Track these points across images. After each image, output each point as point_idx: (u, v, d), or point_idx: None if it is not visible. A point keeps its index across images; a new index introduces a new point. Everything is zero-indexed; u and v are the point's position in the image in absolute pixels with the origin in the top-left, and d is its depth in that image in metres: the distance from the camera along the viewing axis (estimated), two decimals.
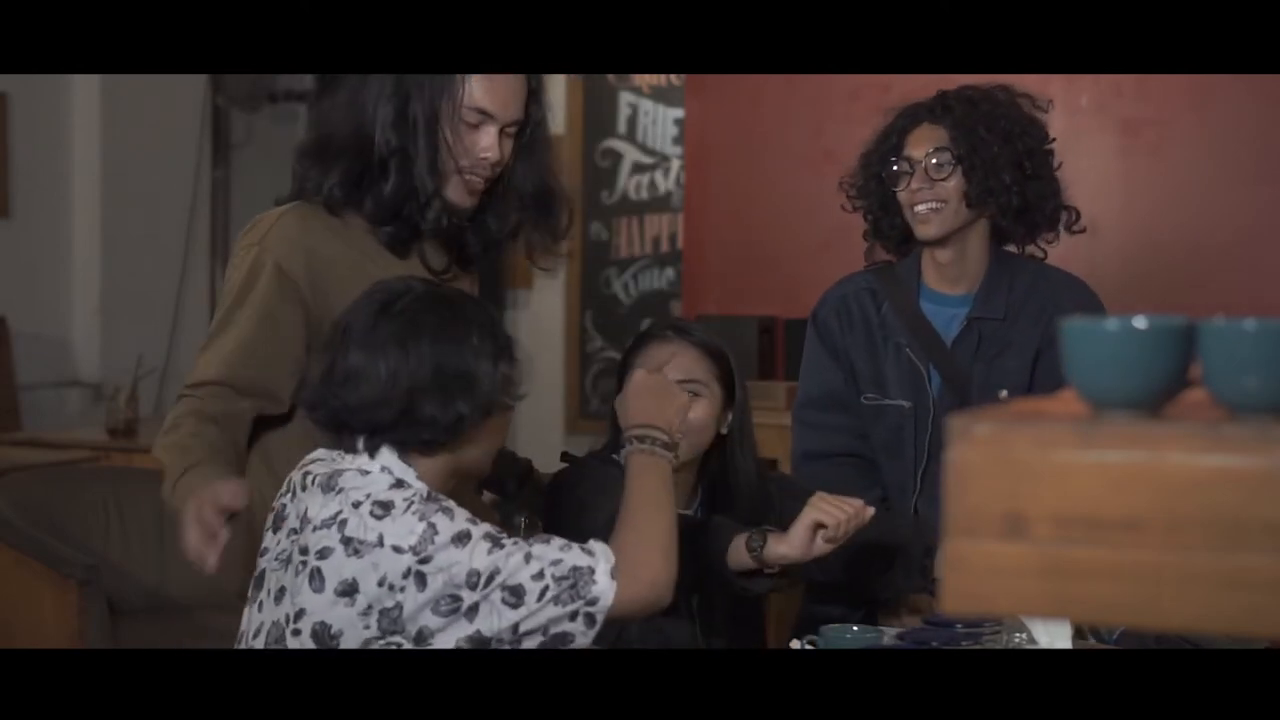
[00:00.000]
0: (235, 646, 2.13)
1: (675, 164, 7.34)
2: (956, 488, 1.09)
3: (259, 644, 2.05)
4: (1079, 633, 2.34)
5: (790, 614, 3.09)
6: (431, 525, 1.97)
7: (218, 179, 6.68)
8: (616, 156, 7.52)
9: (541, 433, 6.36)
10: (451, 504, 2.02)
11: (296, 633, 2.00)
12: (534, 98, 2.44)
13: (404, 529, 1.96)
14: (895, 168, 2.86)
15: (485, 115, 2.36)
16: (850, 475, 2.91)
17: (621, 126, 7.51)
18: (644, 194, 7.50)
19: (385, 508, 1.98)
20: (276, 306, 2.30)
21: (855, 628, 2.50)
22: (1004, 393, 2.82)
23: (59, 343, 6.15)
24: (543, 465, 2.87)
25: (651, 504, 2.14)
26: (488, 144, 2.36)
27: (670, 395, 2.29)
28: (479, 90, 2.36)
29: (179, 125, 6.46)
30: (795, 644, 2.46)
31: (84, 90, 6.13)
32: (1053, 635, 2.26)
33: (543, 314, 7.53)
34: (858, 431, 2.94)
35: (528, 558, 1.98)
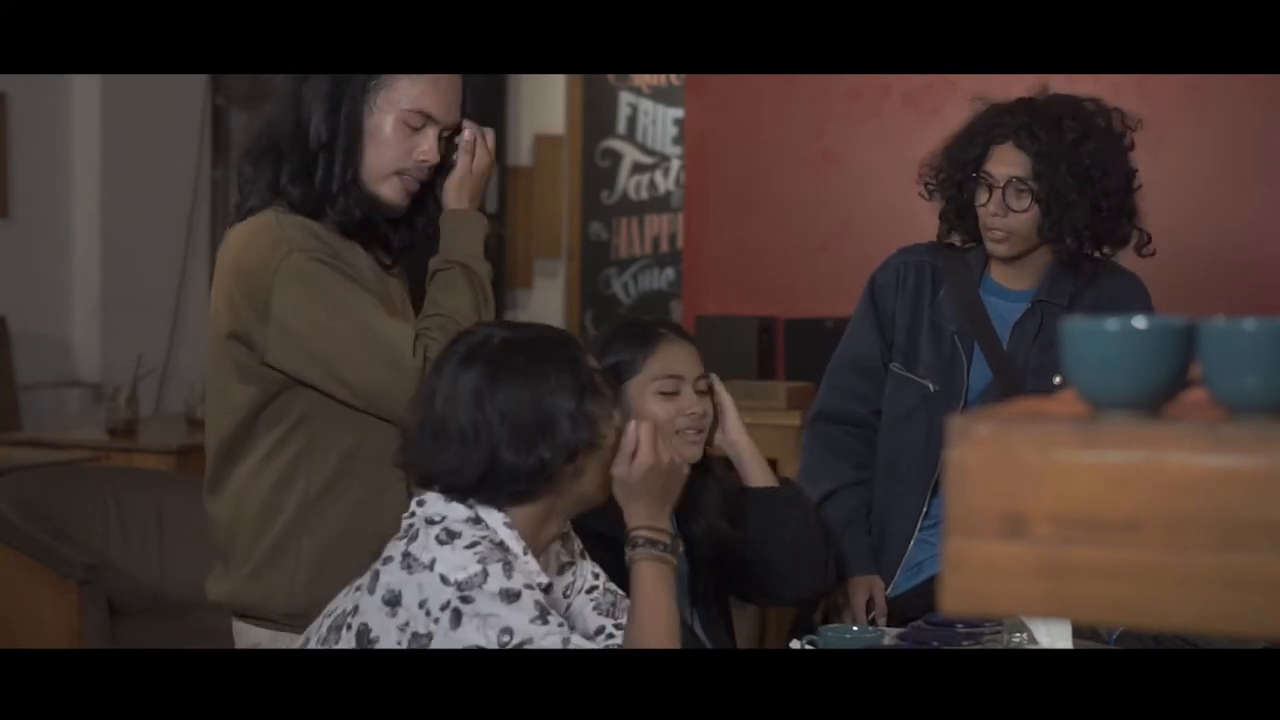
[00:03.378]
0: (318, 620, 2.13)
1: (675, 164, 7.34)
2: (956, 487, 1.09)
3: (326, 623, 2.06)
4: (1077, 632, 2.34)
5: (788, 614, 3.09)
6: (485, 572, 1.95)
7: (218, 179, 6.68)
8: (616, 156, 7.52)
9: None
10: (520, 563, 2.00)
11: (349, 627, 2.01)
12: (466, 102, 2.45)
13: (457, 562, 1.96)
14: (975, 182, 2.87)
15: (427, 118, 2.36)
16: (850, 444, 2.97)
17: (621, 126, 7.52)
18: (644, 194, 7.50)
19: (451, 535, 1.99)
20: (347, 269, 2.32)
21: (855, 628, 2.50)
22: (1058, 379, 2.83)
23: (59, 343, 6.15)
24: None
25: (665, 626, 2.09)
26: (427, 148, 2.36)
27: (677, 481, 2.20)
28: (421, 93, 2.35)
29: (179, 125, 6.46)
30: (795, 644, 2.46)
31: (84, 90, 6.13)
32: (1053, 635, 2.26)
33: (543, 314, 7.54)
34: (875, 403, 2.97)
35: (565, 643, 1.94)
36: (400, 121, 2.35)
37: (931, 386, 2.90)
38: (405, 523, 2.05)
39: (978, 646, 2.39)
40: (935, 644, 2.40)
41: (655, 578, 2.11)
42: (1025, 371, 2.86)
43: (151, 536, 4.02)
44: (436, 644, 1.95)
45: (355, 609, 2.01)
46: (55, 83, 6.02)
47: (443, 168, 2.42)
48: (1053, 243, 2.85)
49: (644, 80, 7.44)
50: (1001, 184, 2.83)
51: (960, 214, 2.94)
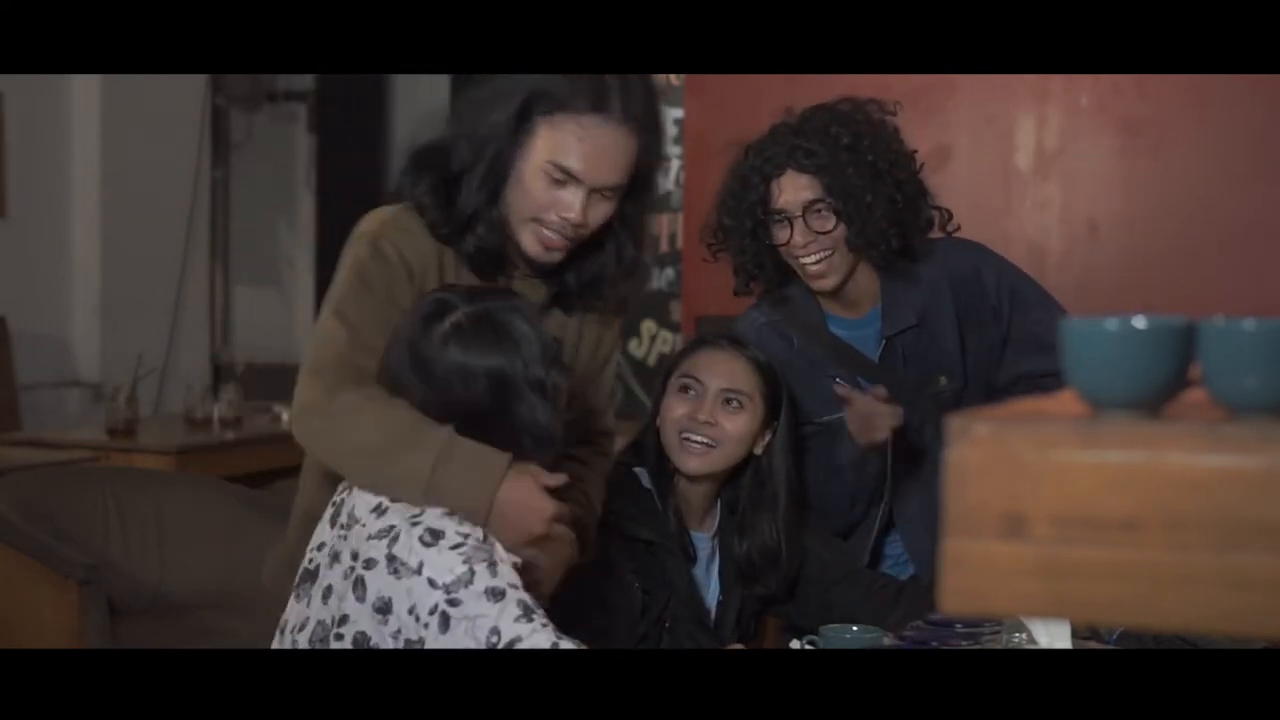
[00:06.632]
0: (276, 636, 2.12)
1: (675, 164, 7.34)
2: (956, 487, 1.09)
3: (302, 638, 2.05)
4: (1077, 632, 2.34)
5: None
6: (471, 571, 1.94)
7: (218, 179, 6.69)
8: None
9: None
10: (502, 557, 1.98)
11: (340, 637, 2.00)
12: (647, 168, 2.33)
13: (444, 565, 1.95)
14: (769, 223, 2.72)
15: (569, 175, 2.24)
16: None
17: None
18: None
19: (436, 536, 1.97)
20: (396, 289, 2.25)
21: (855, 628, 2.50)
22: (943, 379, 2.80)
23: (59, 343, 6.15)
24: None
25: None
26: (569, 203, 2.24)
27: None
28: (559, 145, 2.24)
29: (179, 125, 6.46)
30: (795, 644, 2.46)
31: (84, 90, 6.13)
32: (1053, 635, 2.25)
33: None
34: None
35: (553, 646, 1.94)
36: (540, 171, 2.24)
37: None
38: (381, 522, 2.01)
39: (978, 646, 2.39)
40: (934, 644, 2.40)
41: None
42: (907, 388, 2.77)
43: (151, 536, 4.01)
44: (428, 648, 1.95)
45: (344, 618, 2.00)
46: (55, 83, 6.02)
47: (610, 227, 2.31)
48: (864, 250, 2.71)
49: None
50: (799, 212, 2.69)
51: (759, 263, 2.78)
